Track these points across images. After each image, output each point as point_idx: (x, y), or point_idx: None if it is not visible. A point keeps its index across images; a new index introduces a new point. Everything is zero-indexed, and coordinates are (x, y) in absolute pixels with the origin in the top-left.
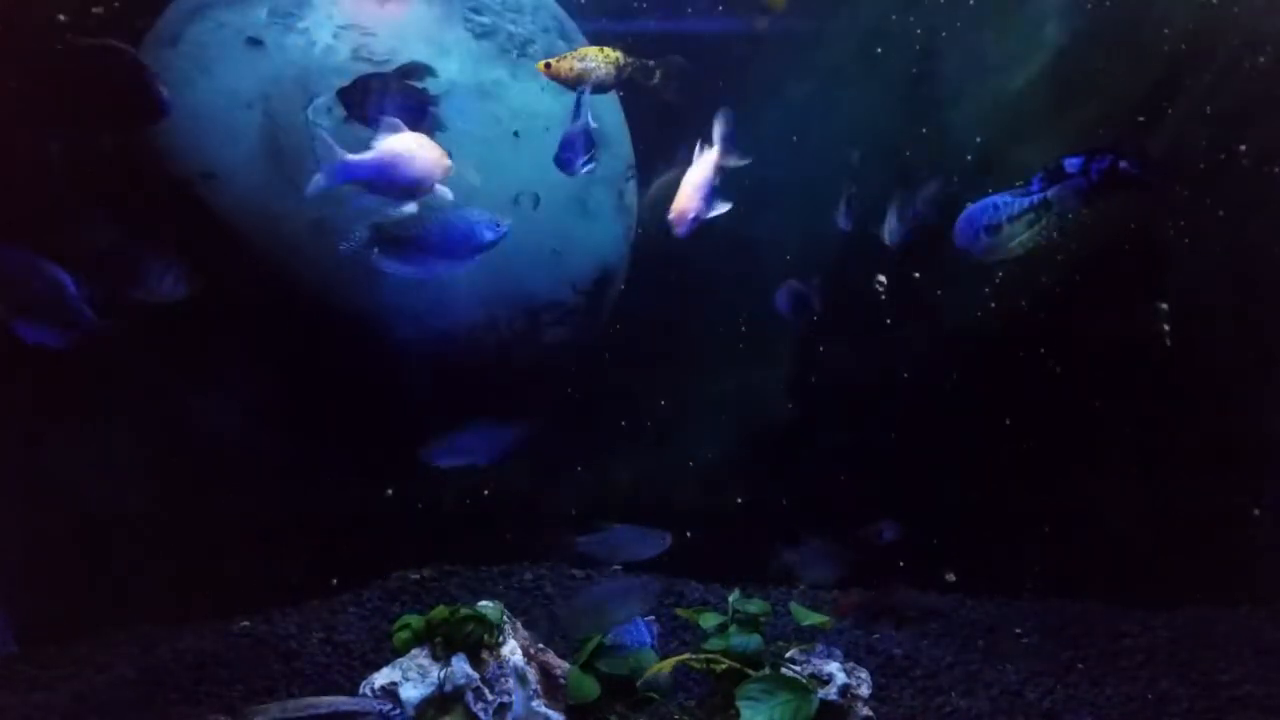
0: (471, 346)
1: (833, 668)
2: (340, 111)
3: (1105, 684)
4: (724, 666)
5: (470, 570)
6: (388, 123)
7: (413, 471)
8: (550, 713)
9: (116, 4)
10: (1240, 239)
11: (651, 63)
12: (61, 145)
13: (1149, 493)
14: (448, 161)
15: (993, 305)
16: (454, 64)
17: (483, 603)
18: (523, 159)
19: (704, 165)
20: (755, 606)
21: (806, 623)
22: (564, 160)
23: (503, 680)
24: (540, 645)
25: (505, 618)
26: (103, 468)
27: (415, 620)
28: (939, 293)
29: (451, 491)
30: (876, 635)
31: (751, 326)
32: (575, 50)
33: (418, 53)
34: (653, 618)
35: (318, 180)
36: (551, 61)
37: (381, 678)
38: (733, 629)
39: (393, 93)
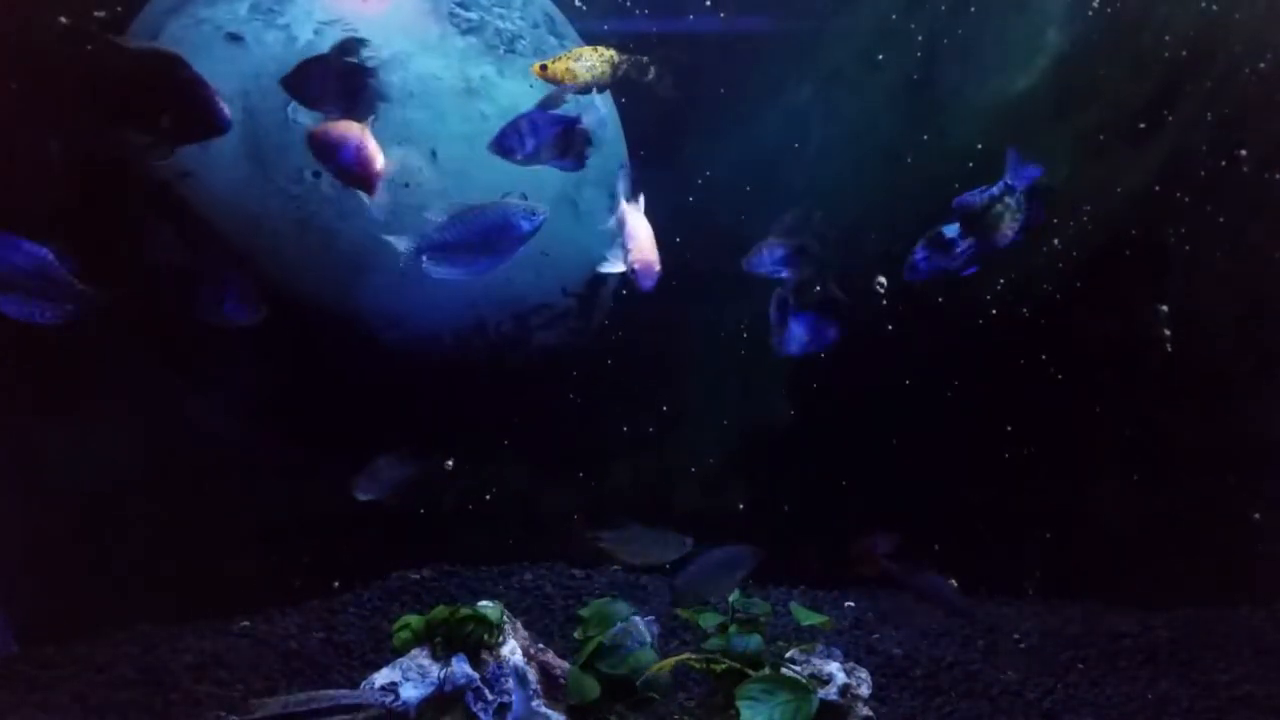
0: (460, 349)
1: (833, 668)
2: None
3: (1105, 684)
4: (724, 666)
5: (470, 570)
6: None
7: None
8: (550, 713)
9: (119, 8)
10: (1240, 244)
11: (646, 59)
12: (61, 145)
13: (1149, 494)
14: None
15: (994, 312)
16: (439, 60)
17: (483, 603)
18: None
19: (641, 216)
20: (755, 606)
21: (806, 623)
22: (505, 147)
23: (503, 680)
24: (540, 645)
25: (505, 618)
26: (102, 468)
27: (415, 620)
28: (940, 299)
29: (452, 492)
30: (876, 635)
31: (752, 328)
32: (570, 51)
33: (402, 49)
34: (653, 617)
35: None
36: (546, 63)
37: (381, 678)
38: (733, 629)
39: (333, 72)
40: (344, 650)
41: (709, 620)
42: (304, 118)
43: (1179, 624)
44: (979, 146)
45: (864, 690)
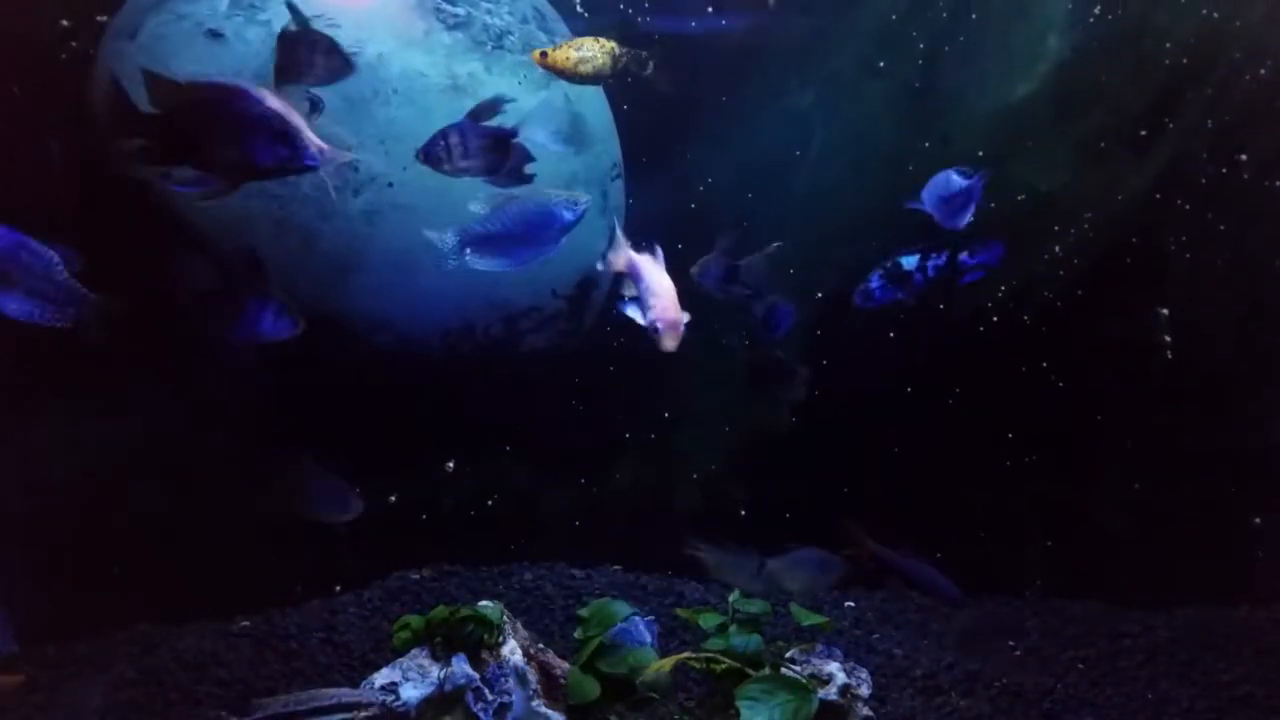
0: (448, 353)
1: (833, 668)
2: (303, 108)
3: (1105, 684)
4: (724, 666)
5: (470, 570)
6: None
7: (413, 474)
8: (550, 713)
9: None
10: (1242, 250)
11: (645, 53)
12: (61, 146)
13: (1149, 495)
14: None
15: (995, 319)
16: (424, 57)
17: (483, 603)
18: None
19: (659, 268)
20: (755, 606)
21: (806, 623)
22: (432, 157)
23: (503, 680)
24: (540, 645)
25: (505, 618)
26: (102, 468)
27: (415, 620)
28: (941, 306)
29: (452, 493)
30: (876, 635)
31: (754, 334)
32: (571, 40)
33: (385, 45)
34: (652, 618)
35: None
36: (547, 50)
37: (381, 678)
38: (733, 629)
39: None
40: (344, 650)
41: (709, 620)
42: None
43: (1179, 624)
44: (980, 154)
45: (864, 690)
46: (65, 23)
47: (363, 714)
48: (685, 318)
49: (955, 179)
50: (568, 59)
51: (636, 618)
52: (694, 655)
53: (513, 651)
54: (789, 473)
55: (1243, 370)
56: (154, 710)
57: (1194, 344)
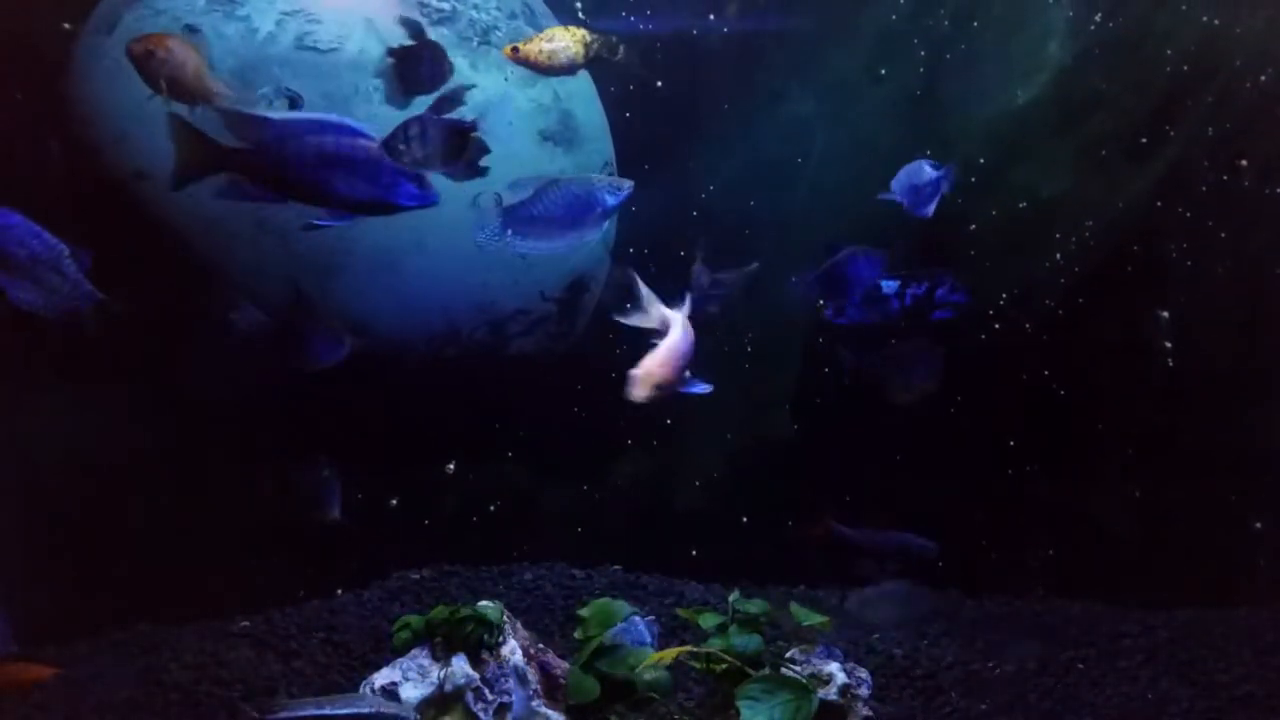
0: (434, 356)
1: (833, 668)
2: (281, 106)
3: (1105, 684)
4: (724, 666)
5: (470, 570)
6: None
7: (413, 475)
8: (550, 713)
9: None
10: (1242, 257)
11: (615, 38)
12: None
13: (1150, 494)
14: None
15: (996, 325)
16: None
17: (483, 603)
18: None
19: (681, 325)
20: (755, 606)
21: (806, 623)
22: (393, 150)
23: (503, 680)
24: (540, 645)
25: (505, 618)
26: (102, 468)
27: (415, 620)
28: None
29: (452, 494)
30: (876, 635)
31: (756, 340)
32: (542, 32)
33: (366, 41)
34: (653, 618)
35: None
36: (519, 45)
37: (381, 678)
38: (733, 629)
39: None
40: (344, 650)
41: (709, 620)
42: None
43: (1179, 624)
44: (981, 161)
45: (864, 690)
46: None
47: None
48: (673, 380)
49: (927, 168)
50: (540, 52)
51: (636, 618)
52: (695, 648)
53: (513, 651)
54: (789, 475)
55: (1242, 374)
56: (154, 710)
57: (1194, 348)
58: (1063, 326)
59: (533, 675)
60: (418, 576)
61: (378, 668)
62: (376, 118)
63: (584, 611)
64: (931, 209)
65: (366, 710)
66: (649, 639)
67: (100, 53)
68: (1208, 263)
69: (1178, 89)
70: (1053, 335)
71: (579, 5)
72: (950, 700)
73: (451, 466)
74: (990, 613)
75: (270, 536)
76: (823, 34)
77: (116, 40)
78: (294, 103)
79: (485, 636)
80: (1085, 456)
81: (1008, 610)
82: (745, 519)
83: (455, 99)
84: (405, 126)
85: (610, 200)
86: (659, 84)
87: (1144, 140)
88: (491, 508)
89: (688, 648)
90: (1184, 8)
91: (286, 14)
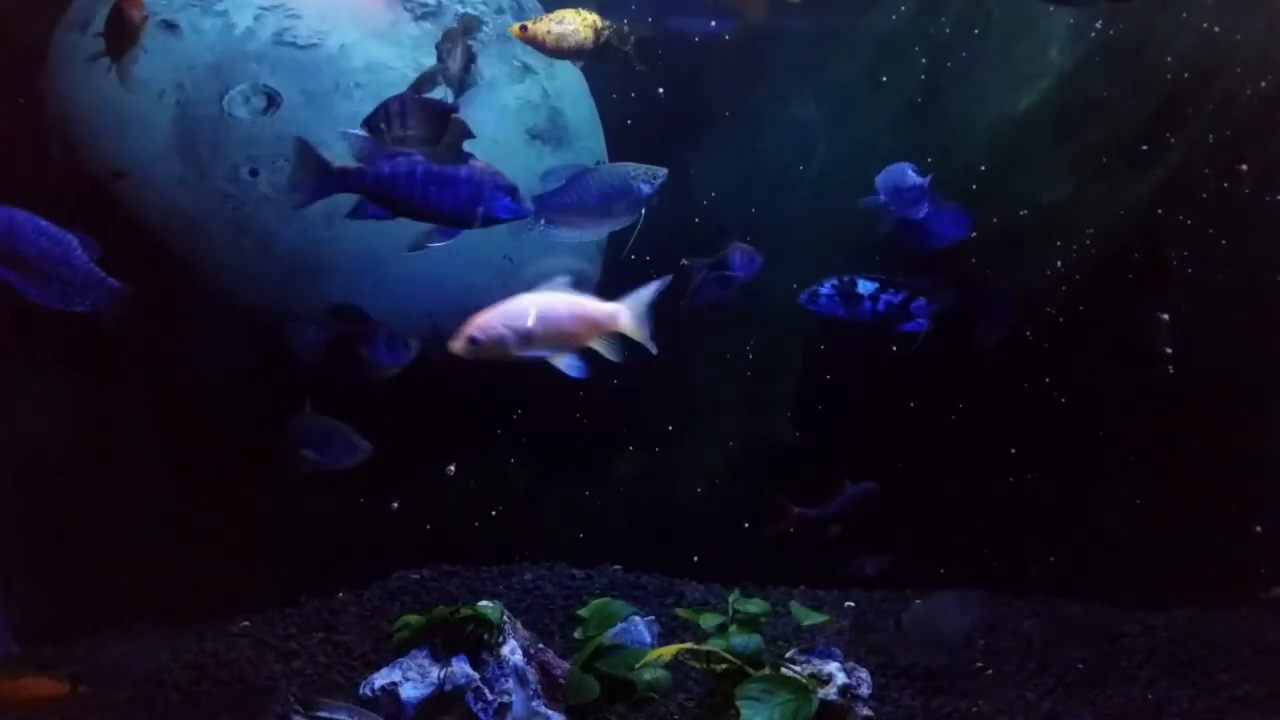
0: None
1: (833, 668)
2: (259, 103)
3: (1105, 684)
4: (724, 666)
5: (470, 570)
6: None
7: (413, 474)
8: (550, 713)
9: None
10: (1242, 263)
11: (628, 27)
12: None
13: (1150, 496)
14: None
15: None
16: (389, 49)
17: (483, 603)
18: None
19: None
20: (755, 606)
21: (806, 623)
22: (374, 129)
23: (503, 680)
24: (540, 645)
25: (505, 618)
26: (102, 468)
27: (415, 620)
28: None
29: (453, 495)
30: (876, 635)
31: (758, 346)
32: (552, 13)
33: (348, 36)
34: (653, 618)
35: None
36: (527, 24)
37: (381, 678)
38: (733, 629)
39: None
40: (344, 650)
41: (709, 620)
42: (239, 110)
43: (1179, 624)
44: (982, 168)
45: (864, 690)
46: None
47: None
48: (496, 340)
49: (910, 173)
50: (548, 33)
51: (636, 618)
52: (695, 646)
53: (513, 651)
54: (789, 471)
55: (1242, 378)
56: (154, 710)
57: (1195, 353)
58: (1064, 332)
59: (533, 675)
60: (418, 576)
61: (378, 668)
62: (358, 117)
63: (584, 611)
64: (923, 212)
65: None
66: (649, 639)
67: (74, 50)
68: (1208, 269)
69: (1178, 95)
70: (1054, 341)
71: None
72: (950, 700)
73: (452, 468)
74: (991, 613)
75: (270, 536)
76: (823, 39)
77: (90, 38)
78: (272, 100)
79: (485, 636)
80: (1086, 459)
81: (1008, 610)
82: (746, 524)
83: (435, 80)
84: (386, 105)
85: (645, 189)
86: (660, 91)
87: (1145, 147)
88: (493, 512)
89: (688, 645)
90: (1184, 14)
91: (265, 9)
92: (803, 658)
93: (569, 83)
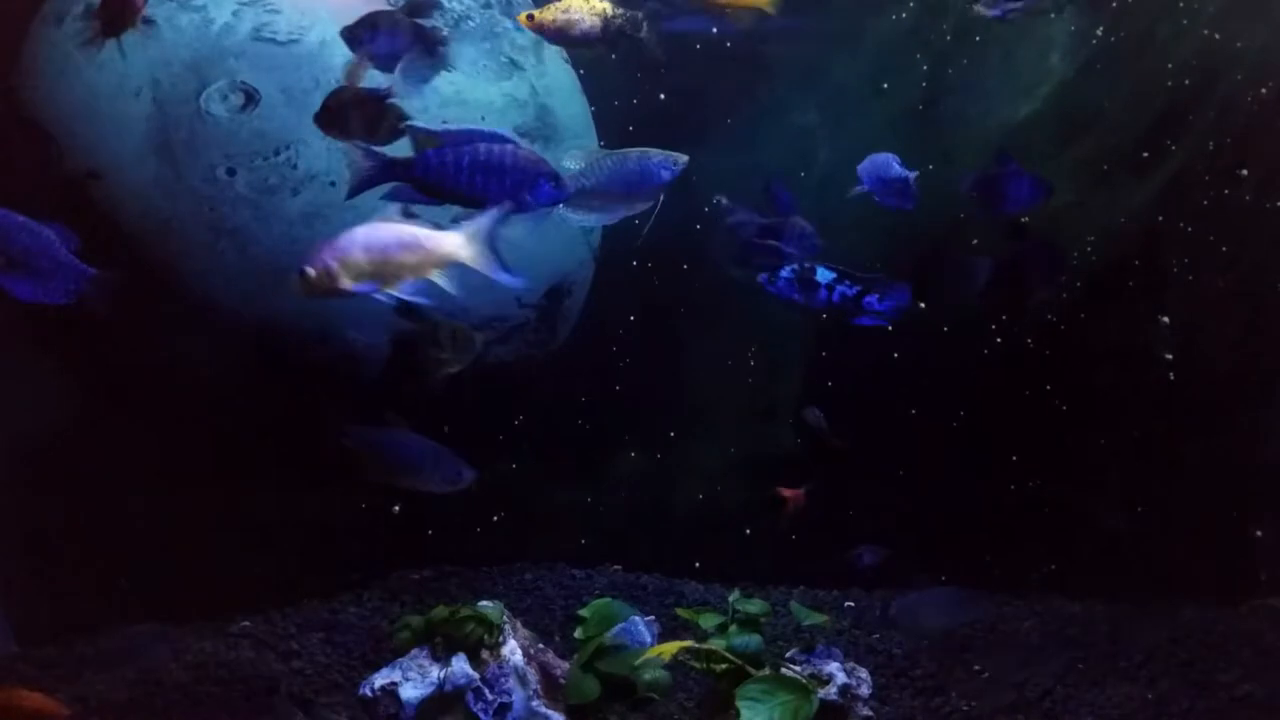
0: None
1: (833, 668)
2: (237, 101)
3: (1105, 684)
4: (724, 666)
5: (470, 570)
6: None
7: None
8: (550, 713)
9: None
10: (1243, 270)
11: (640, 15)
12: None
13: (1150, 496)
14: None
15: (998, 339)
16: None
17: (483, 603)
18: None
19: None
20: (755, 606)
21: (806, 623)
22: (352, 37)
23: (503, 680)
24: (540, 645)
25: (505, 618)
26: (102, 467)
27: (415, 620)
28: (945, 329)
29: (454, 495)
30: (876, 635)
31: (759, 351)
32: (559, 1)
33: (329, 32)
34: (652, 618)
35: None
36: (534, 13)
37: (381, 678)
38: (733, 629)
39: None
40: (344, 650)
41: (709, 620)
42: (217, 108)
43: (1179, 624)
44: None
45: (864, 690)
46: None
47: None
48: (310, 270)
49: (895, 165)
50: (554, 21)
51: (636, 618)
52: (695, 644)
53: (513, 651)
54: (789, 470)
55: (1242, 382)
56: (154, 710)
57: (1195, 358)
58: (1065, 336)
59: (533, 675)
60: (418, 576)
61: (378, 668)
62: None
63: (584, 611)
64: (907, 205)
65: None
66: (649, 639)
67: (48, 46)
68: (1208, 275)
69: (1178, 102)
70: (1055, 345)
71: None
72: (950, 700)
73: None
74: (991, 613)
75: (270, 536)
76: (825, 44)
77: (64, 33)
78: (250, 97)
79: (485, 636)
80: (1088, 461)
81: (1009, 610)
82: (748, 531)
83: (356, 73)
84: (337, 94)
85: (665, 174)
86: (662, 96)
87: (1145, 154)
88: (493, 515)
89: (687, 643)
90: (1185, 21)
91: (243, 4)
92: (803, 658)
93: (560, 79)
